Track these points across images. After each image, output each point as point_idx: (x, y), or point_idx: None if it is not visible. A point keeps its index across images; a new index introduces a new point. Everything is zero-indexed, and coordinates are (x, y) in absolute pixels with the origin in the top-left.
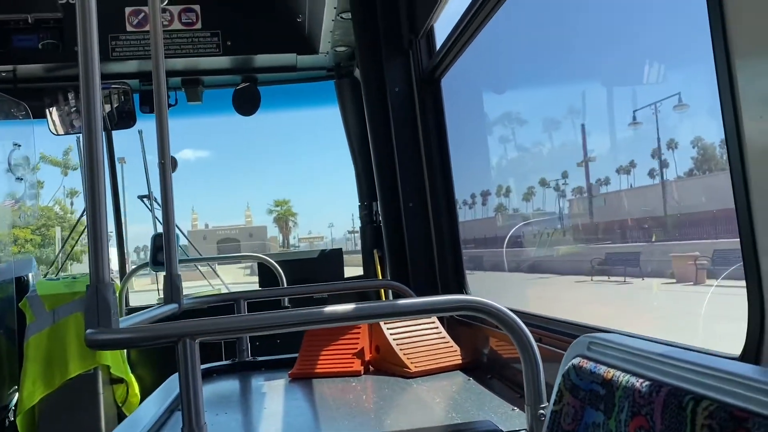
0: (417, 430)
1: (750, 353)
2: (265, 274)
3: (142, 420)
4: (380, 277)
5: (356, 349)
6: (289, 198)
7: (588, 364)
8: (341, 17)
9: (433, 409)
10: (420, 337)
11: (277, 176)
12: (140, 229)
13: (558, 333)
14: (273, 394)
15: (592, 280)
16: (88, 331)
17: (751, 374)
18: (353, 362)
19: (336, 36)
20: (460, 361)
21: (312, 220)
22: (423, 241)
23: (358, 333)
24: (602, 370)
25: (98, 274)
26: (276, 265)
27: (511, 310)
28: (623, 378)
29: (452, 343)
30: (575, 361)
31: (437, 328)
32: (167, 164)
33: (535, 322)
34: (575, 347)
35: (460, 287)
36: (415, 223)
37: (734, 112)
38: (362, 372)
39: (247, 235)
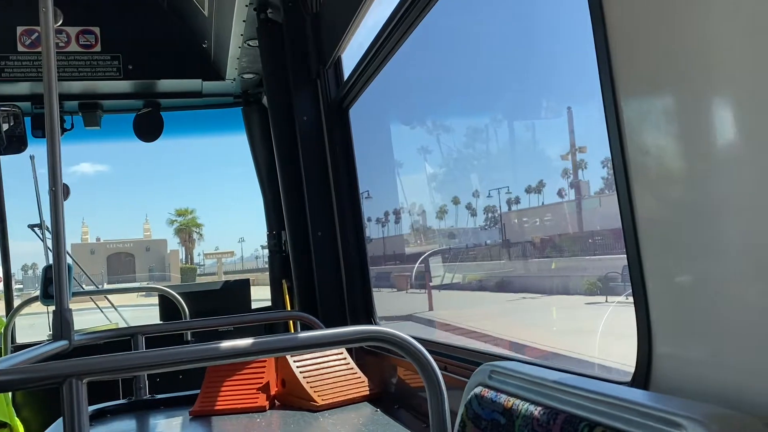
0: None
1: (640, 378)
2: (167, 306)
3: None
4: (289, 308)
5: (261, 383)
6: (194, 207)
7: (489, 393)
8: (248, 44)
9: None
10: (327, 368)
11: (184, 185)
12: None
13: (463, 361)
14: None
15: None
16: None
17: (640, 400)
18: (258, 397)
19: (243, 63)
20: (368, 392)
21: (221, 234)
22: (331, 270)
23: (264, 367)
24: (503, 398)
25: None
26: (178, 297)
27: (418, 339)
28: (522, 406)
29: (360, 373)
30: (477, 390)
31: (345, 358)
32: (58, 192)
33: (441, 350)
34: (477, 376)
35: (369, 316)
36: (324, 253)
37: (621, 147)
38: (267, 407)
39: (143, 250)
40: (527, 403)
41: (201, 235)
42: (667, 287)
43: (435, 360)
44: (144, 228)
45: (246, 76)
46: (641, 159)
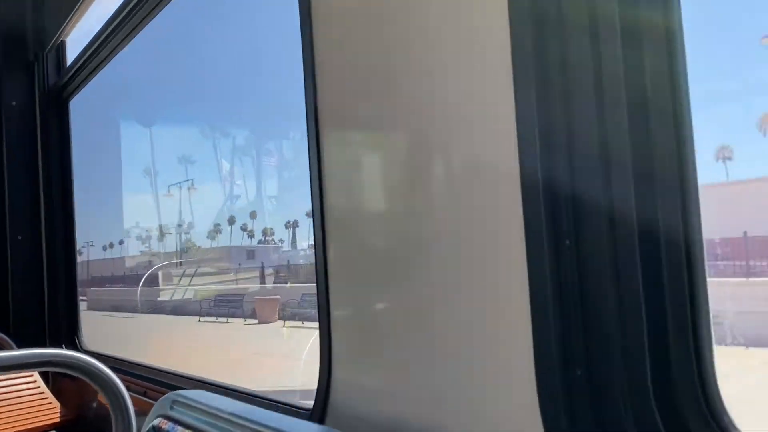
0: None
1: (317, 411)
2: None
3: None
4: None
5: None
6: None
7: (167, 425)
8: None
9: None
10: (9, 395)
11: None
12: None
13: (166, 386)
14: None
15: None
16: None
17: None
18: None
19: None
20: (59, 419)
21: None
22: (32, 281)
23: None
24: (178, 430)
25: None
26: None
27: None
28: None
29: (51, 399)
30: (156, 421)
31: (34, 382)
32: None
33: (143, 373)
34: (160, 406)
35: (73, 335)
36: (23, 260)
37: (320, 184)
38: None
39: None
40: None
41: None
42: (351, 322)
43: (136, 385)
44: None
45: None
46: (333, 201)
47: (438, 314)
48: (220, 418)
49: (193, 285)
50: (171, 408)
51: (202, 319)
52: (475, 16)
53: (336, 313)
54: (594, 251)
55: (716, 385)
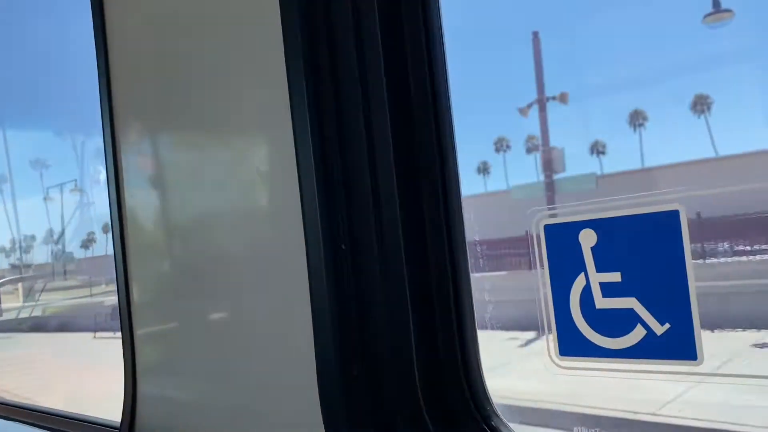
0: None
1: (126, 422)
2: None
3: None
4: None
5: None
6: None
7: None
8: None
9: None
10: None
11: None
12: None
13: None
14: None
15: None
16: None
17: None
18: None
19: None
20: None
21: None
22: None
23: None
24: None
25: None
26: None
27: None
28: None
29: None
30: None
31: None
32: None
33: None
34: None
35: None
36: None
37: (117, 191)
38: None
39: None
40: None
41: None
42: (154, 334)
43: None
44: None
45: None
46: (136, 210)
47: (233, 324)
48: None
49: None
50: None
51: (98, 335)
52: (247, 21)
53: (139, 325)
54: (367, 256)
55: (480, 374)
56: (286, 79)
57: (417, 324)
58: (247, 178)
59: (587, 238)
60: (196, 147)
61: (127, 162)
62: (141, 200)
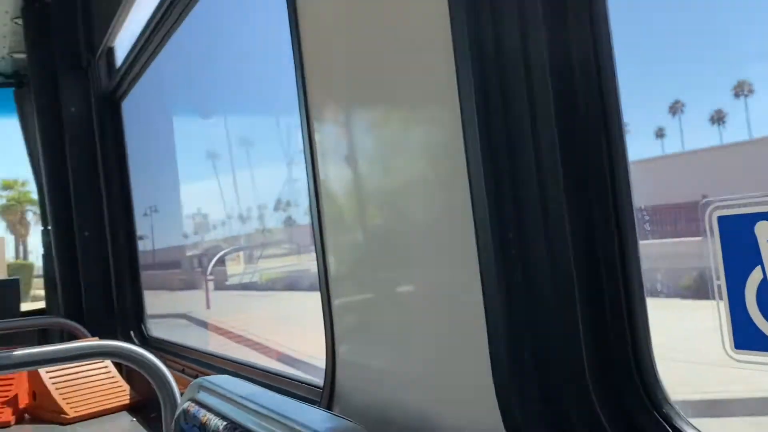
0: None
1: (325, 395)
2: None
3: None
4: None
5: (7, 397)
6: (28, 179)
7: (194, 409)
8: (15, 22)
9: None
10: (85, 378)
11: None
12: None
13: (210, 368)
14: None
15: None
16: None
17: (306, 421)
18: (2, 412)
19: (12, 42)
20: (128, 401)
21: None
22: (99, 273)
23: (12, 379)
24: (201, 414)
25: None
26: None
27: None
28: (214, 422)
29: (121, 382)
30: (185, 405)
31: (106, 367)
32: None
33: (198, 357)
34: (189, 391)
35: (138, 321)
36: (91, 254)
37: (314, 172)
38: (13, 422)
39: None
40: (218, 419)
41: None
42: (349, 303)
43: (187, 368)
44: None
45: (17, 55)
46: (329, 182)
47: (414, 296)
48: (236, 402)
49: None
50: (198, 392)
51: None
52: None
53: (335, 294)
54: (534, 245)
55: (655, 371)
56: (453, 62)
57: (586, 318)
58: (422, 155)
59: (764, 231)
60: (381, 123)
61: (321, 139)
62: (334, 175)
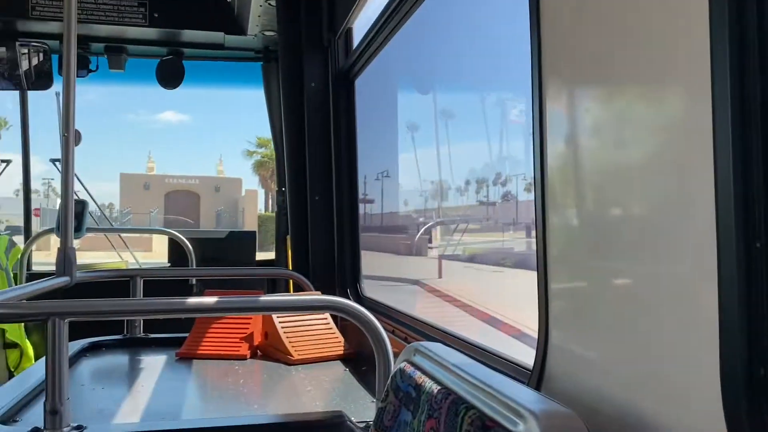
0: (277, 416)
1: (534, 375)
2: (175, 250)
3: (22, 384)
4: (290, 266)
5: (245, 334)
6: None
7: (410, 369)
8: (269, 3)
9: (300, 398)
10: (307, 327)
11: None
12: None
13: (416, 332)
14: (157, 370)
15: None
16: None
17: (513, 395)
18: (240, 346)
19: (264, 20)
20: (342, 352)
21: None
22: (325, 234)
23: (250, 319)
24: (417, 375)
25: None
26: (187, 242)
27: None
28: (428, 384)
29: (338, 334)
30: (402, 365)
31: (326, 319)
32: (71, 136)
33: (405, 321)
34: (405, 353)
35: (355, 281)
36: (319, 217)
37: (541, 146)
38: (248, 356)
39: (211, 189)
40: (432, 382)
41: None
42: (566, 288)
43: (396, 330)
44: (218, 170)
45: (267, 33)
46: (557, 161)
47: (640, 288)
48: (447, 369)
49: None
50: (414, 355)
51: None
52: None
53: (553, 277)
54: None
55: None
56: (708, 33)
57: None
58: (658, 138)
59: None
60: (618, 100)
61: (552, 113)
62: (562, 154)
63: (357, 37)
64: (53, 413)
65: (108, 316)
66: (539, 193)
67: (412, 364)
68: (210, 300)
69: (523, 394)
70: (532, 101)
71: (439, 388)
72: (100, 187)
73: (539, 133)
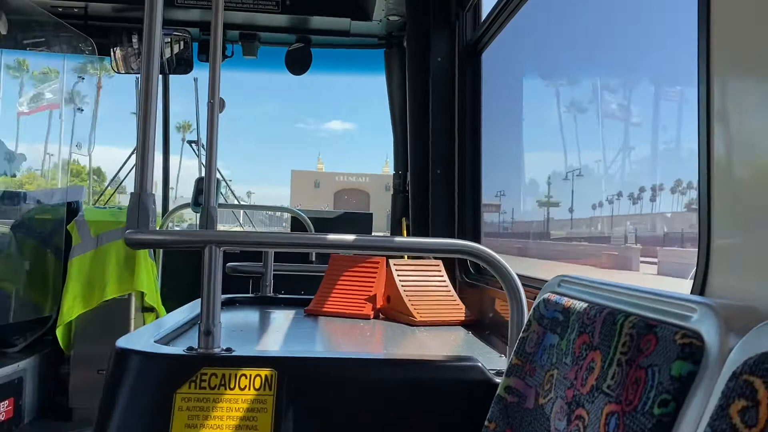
0: (410, 355)
1: (696, 287)
2: (297, 228)
3: (167, 322)
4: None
5: (369, 294)
6: None
7: (555, 297)
8: None
9: (429, 350)
10: (429, 291)
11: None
12: None
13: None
14: (287, 322)
15: None
16: (128, 231)
17: (666, 296)
18: (364, 306)
19: (390, 4)
20: (463, 318)
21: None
22: (445, 207)
23: (373, 280)
24: (564, 300)
25: (142, 185)
26: (308, 220)
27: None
28: (578, 305)
29: (458, 300)
30: (545, 295)
31: (446, 285)
32: (215, 105)
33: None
34: (548, 285)
35: None
36: (440, 190)
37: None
38: (372, 316)
39: (381, 188)
40: (582, 303)
41: None
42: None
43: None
44: (383, 171)
45: (391, 17)
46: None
47: None
48: (599, 289)
49: None
50: (558, 286)
51: None
52: None
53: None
54: None
55: None
56: None
57: None
58: None
59: None
60: None
61: (721, 101)
62: (730, 143)
63: (486, 9)
64: (207, 334)
65: (258, 247)
66: (705, 189)
67: (557, 293)
68: (349, 237)
69: (689, 297)
70: (698, 91)
71: (590, 306)
72: (268, 191)
73: (706, 125)
